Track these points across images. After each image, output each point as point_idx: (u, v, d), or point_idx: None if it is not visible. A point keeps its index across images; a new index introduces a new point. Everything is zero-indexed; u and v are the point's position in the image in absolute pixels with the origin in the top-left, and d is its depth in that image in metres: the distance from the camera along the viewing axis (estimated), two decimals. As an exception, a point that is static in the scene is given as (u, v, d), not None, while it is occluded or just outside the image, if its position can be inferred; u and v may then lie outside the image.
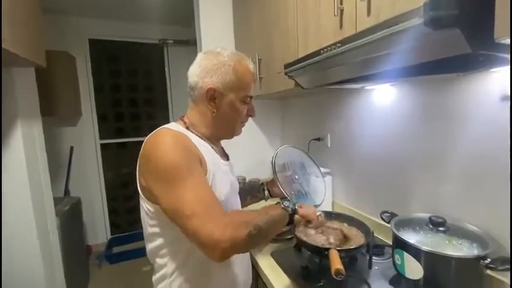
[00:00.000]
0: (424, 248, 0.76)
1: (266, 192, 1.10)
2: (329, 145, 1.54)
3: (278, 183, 1.00)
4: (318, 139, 1.60)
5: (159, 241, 0.76)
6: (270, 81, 1.45)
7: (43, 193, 1.52)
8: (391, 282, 0.90)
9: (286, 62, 1.09)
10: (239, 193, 0.94)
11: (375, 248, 1.04)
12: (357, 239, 1.02)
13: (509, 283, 0.76)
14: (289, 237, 1.19)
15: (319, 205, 1.08)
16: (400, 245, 0.83)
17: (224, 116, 0.81)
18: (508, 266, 0.70)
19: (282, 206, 0.80)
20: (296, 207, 0.82)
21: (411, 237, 0.83)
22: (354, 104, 1.35)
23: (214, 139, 0.85)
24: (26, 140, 1.37)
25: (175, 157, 0.67)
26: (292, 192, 1.03)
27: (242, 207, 0.96)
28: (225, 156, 0.92)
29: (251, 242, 0.65)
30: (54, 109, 2.55)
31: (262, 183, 1.13)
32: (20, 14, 1.14)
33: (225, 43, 1.86)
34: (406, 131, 1.08)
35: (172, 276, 0.76)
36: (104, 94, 3.21)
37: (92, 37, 3.05)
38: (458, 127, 0.90)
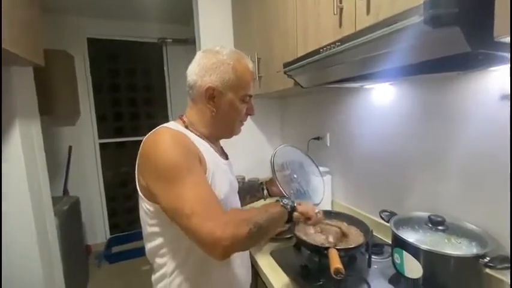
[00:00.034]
0: (423, 246, 0.76)
1: (265, 192, 1.10)
2: (328, 144, 1.54)
3: (277, 183, 1.00)
4: (318, 138, 1.60)
5: (158, 240, 0.76)
6: (269, 80, 1.44)
7: (42, 193, 1.52)
8: (390, 281, 0.90)
9: (286, 61, 1.08)
10: (238, 192, 0.94)
11: (374, 247, 1.04)
12: (356, 238, 1.02)
13: (508, 282, 0.76)
14: (289, 236, 1.19)
15: (318, 204, 1.08)
16: (400, 243, 0.84)
17: (223, 115, 0.81)
18: (507, 265, 0.70)
19: (281, 203, 0.80)
20: (295, 204, 0.83)
21: (410, 236, 0.83)
22: (353, 103, 1.35)
23: (213, 138, 0.85)
24: (24, 139, 1.36)
25: (175, 156, 0.67)
26: (291, 191, 1.03)
27: (241, 206, 0.96)
28: (224, 155, 0.92)
29: (252, 239, 0.65)
30: (52, 108, 2.54)
31: (261, 183, 1.13)
32: (19, 13, 1.13)
33: (224, 42, 1.85)
34: (406, 130, 1.08)
35: (172, 276, 0.75)
36: (102, 93, 3.20)
37: (91, 36, 3.04)
38: (457, 126, 0.90)
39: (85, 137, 3.08)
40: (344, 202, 1.47)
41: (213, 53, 0.79)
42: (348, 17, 0.85)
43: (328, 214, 1.16)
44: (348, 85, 1.15)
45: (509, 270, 0.72)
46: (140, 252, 0.86)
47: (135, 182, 0.76)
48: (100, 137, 3.19)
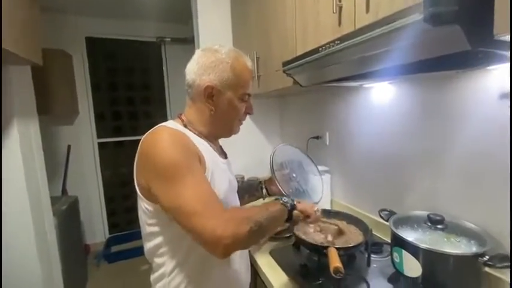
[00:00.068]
0: (423, 245, 0.77)
1: (264, 191, 1.10)
2: (327, 143, 1.54)
3: (276, 182, 1.00)
4: (317, 137, 1.60)
5: (157, 240, 0.75)
6: (268, 79, 1.44)
7: (40, 192, 1.51)
8: (389, 280, 0.90)
9: (285, 60, 1.08)
10: (237, 192, 0.94)
11: (373, 246, 1.05)
12: (356, 237, 1.02)
13: (508, 280, 0.76)
14: (288, 235, 1.19)
15: (317, 203, 1.08)
16: (399, 242, 0.84)
17: (222, 114, 0.80)
18: (507, 264, 0.70)
19: (281, 201, 0.80)
20: (295, 202, 0.83)
21: (409, 235, 0.83)
22: (352, 102, 1.35)
23: (212, 137, 0.85)
24: (22, 138, 1.36)
25: (174, 154, 0.67)
26: (290, 190, 1.03)
27: (240, 205, 0.96)
28: (223, 154, 0.91)
29: (253, 237, 0.66)
30: (50, 107, 2.52)
31: (260, 182, 1.13)
32: (18, 12, 1.13)
33: (223, 41, 1.85)
34: (405, 129, 1.08)
35: (171, 275, 0.75)
36: (101, 92, 3.19)
37: (89, 35, 3.02)
38: (456, 125, 0.90)
39: (83, 136, 3.07)
40: (343, 201, 1.47)
41: (211, 52, 0.79)
42: (347, 16, 0.85)
43: (327, 213, 1.16)
44: (347, 84, 1.15)
45: (509, 269, 0.72)
46: (139, 251, 0.86)
47: (134, 181, 0.75)
48: (99, 137, 3.18)
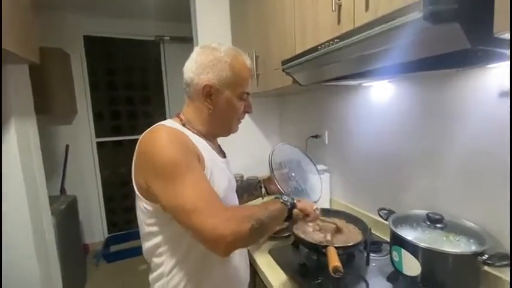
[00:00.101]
0: (422, 244, 0.76)
1: (263, 190, 1.10)
2: (327, 142, 1.54)
3: (275, 181, 1.00)
4: (316, 136, 1.60)
5: (156, 239, 0.75)
6: (267, 78, 1.44)
7: (38, 192, 1.51)
8: (388, 278, 0.90)
9: (284, 59, 1.08)
10: (236, 191, 0.93)
11: (372, 245, 1.04)
12: (355, 236, 1.02)
13: (507, 279, 0.76)
14: (287, 234, 1.19)
15: (316, 202, 1.08)
16: (398, 241, 0.84)
17: (220, 112, 0.80)
18: (506, 262, 0.70)
19: (281, 200, 0.80)
20: (295, 201, 0.83)
21: (409, 234, 0.83)
22: (351, 101, 1.34)
23: (210, 136, 0.84)
24: (20, 138, 1.35)
25: (173, 153, 0.66)
26: (289, 190, 1.03)
27: (239, 204, 0.95)
28: (222, 153, 0.91)
29: (253, 236, 0.65)
30: (48, 107, 2.51)
31: (259, 181, 1.12)
32: (16, 11, 1.12)
33: (222, 40, 1.83)
34: (404, 127, 1.08)
35: (170, 275, 0.75)
36: (99, 91, 3.18)
37: (87, 34, 3.01)
38: (456, 123, 0.89)
39: (82, 135, 3.06)
40: (342, 200, 1.47)
41: (210, 50, 0.78)
42: (346, 14, 0.84)
43: (326, 212, 1.16)
44: (346, 83, 1.14)
45: (508, 268, 0.72)
46: (139, 251, 0.85)
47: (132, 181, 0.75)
48: (97, 136, 3.17)
